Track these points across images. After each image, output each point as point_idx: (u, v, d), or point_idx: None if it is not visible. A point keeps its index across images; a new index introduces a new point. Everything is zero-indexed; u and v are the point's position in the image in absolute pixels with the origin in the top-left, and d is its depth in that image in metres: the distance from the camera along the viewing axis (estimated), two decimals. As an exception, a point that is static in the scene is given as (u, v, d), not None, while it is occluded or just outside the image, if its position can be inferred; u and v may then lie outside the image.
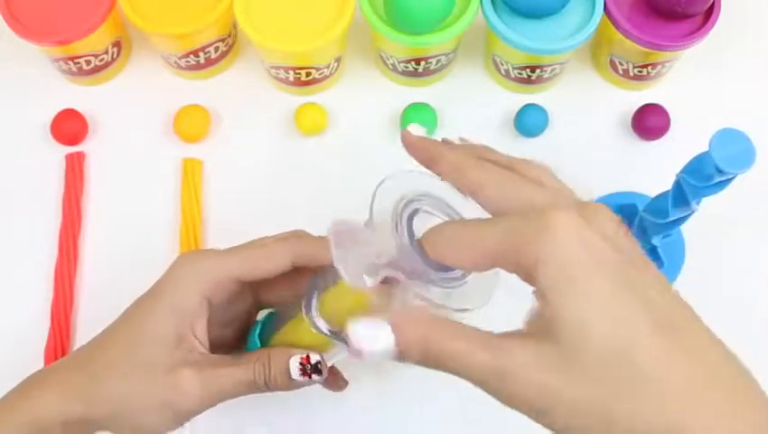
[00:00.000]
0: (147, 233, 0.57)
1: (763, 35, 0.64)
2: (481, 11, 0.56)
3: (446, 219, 0.36)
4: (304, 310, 0.40)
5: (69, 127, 0.59)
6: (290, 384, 0.41)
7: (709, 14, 0.56)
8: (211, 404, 0.41)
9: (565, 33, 0.56)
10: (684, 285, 0.55)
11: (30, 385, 0.41)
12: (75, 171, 0.58)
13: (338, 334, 0.40)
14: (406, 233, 0.34)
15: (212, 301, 0.42)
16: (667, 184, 0.47)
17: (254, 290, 0.45)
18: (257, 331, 0.44)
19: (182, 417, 0.40)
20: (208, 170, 0.59)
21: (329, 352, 0.42)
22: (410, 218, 0.35)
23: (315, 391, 0.45)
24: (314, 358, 0.40)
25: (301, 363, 0.40)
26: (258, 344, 0.44)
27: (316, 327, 0.40)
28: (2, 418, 0.40)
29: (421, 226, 0.34)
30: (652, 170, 0.58)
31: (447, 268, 0.33)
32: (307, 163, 0.59)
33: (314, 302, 0.40)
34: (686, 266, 0.56)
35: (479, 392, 0.29)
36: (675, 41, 0.56)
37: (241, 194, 0.58)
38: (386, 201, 0.34)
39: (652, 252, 0.53)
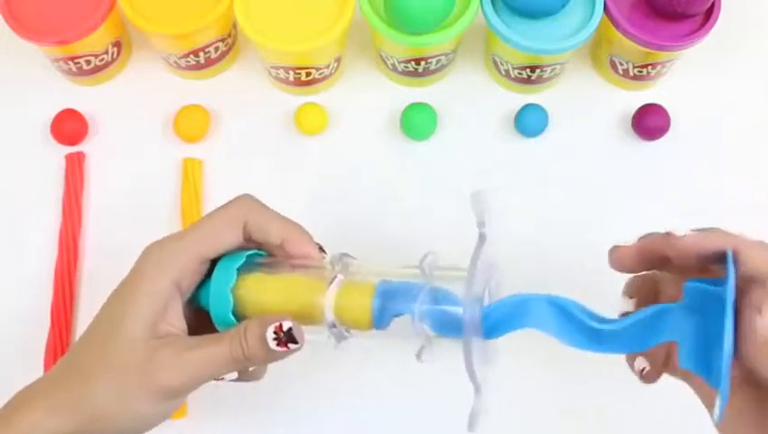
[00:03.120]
0: (147, 233, 0.57)
1: (763, 35, 0.64)
2: (481, 11, 0.56)
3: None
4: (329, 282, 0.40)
5: (69, 127, 0.59)
6: (269, 355, 0.39)
7: (709, 14, 0.56)
8: (196, 384, 0.40)
9: (565, 33, 0.56)
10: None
11: (19, 401, 0.40)
12: (75, 171, 0.58)
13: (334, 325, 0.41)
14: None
15: (183, 285, 0.41)
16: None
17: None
18: (230, 307, 0.41)
19: (175, 399, 0.40)
20: (208, 170, 0.59)
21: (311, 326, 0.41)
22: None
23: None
24: (287, 325, 0.38)
25: (275, 332, 0.38)
26: (234, 321, 0.41)
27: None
28: None
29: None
30: (652, 170, 0.58)
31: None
32: (307, 163, 0.59)
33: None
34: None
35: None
36: (675, 41, 0.56)
37: (241, 194, 0.58)
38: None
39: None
